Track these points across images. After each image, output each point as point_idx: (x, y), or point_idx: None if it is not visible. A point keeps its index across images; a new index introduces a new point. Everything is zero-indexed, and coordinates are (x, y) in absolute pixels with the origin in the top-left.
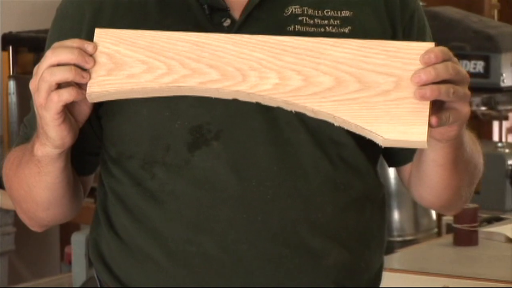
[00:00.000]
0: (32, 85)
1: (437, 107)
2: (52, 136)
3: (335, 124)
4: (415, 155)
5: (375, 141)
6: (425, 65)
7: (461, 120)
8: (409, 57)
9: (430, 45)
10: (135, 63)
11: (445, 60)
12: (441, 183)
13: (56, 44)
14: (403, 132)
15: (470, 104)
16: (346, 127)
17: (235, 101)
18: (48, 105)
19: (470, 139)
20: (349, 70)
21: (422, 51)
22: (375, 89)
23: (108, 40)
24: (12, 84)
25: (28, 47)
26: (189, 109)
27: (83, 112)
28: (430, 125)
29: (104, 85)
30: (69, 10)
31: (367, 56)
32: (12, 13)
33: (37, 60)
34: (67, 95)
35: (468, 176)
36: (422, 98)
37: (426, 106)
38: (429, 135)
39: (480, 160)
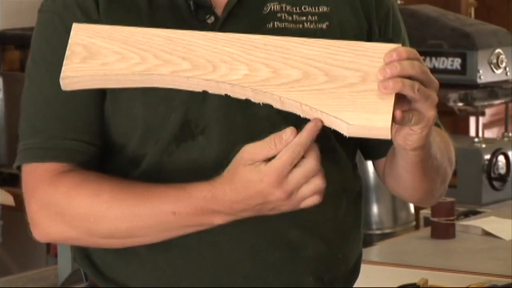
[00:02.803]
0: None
1: (402, 107)
2: (275, 213)
3: (301, 114)
4: (389, 151)
5: (339, 130)
6: (388, 62)
7: (424, 123)
8: (376, 55)
9: (397, 45)
10: (109, 53)
11: (410, 59)
12: (413, 185)
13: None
14: (367, 119)
15: (448, 100)
16: (311, 117)
17: (222, 97)
18: (289, 209)
19: (441, 141)
20: (317, 65)
21: (388, 51)
22: (341, 81)
23: (85, 33)
24: None
25: (15, 44)
26: (183, 105)
27: None
28: (394, 119)
29: (78, 71)
30: (68, 5)
31: (335, 53)
32: None
33: (24, 57)
34: (310, 204)
35: (440, 178)
36: (385, 89)
37: (390, 98)
38: (393, 126)
39: (452, 160)
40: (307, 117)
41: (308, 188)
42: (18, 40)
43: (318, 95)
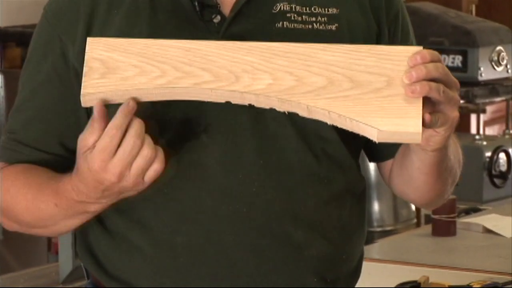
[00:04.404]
0: (120, 175)
1: (426, 110)
2: (132, 194)
3: (329, 122)
4: (396, 152)
5: (369, 136)
6: (413, 65)
7: (449, 124)
8: (398, 59)
9: (418, 48)
10: (128, 67)
11: (433, 61)
12: (425, 187)
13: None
14: (398, 124)
15: None
16: (340, 124)
17: None
18: (137, 188)
19: (453, 143)
20: (340, 71)
21: (411, 53)
22: (367, 87)
23: (101, 47)
24: (0, 78)
25: (16, 42)
26: (181, 102)
27: None
28: (423, 123)
29: (98, 87)
30: (63, 8)
31: (357, 58)
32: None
33: (25, 54)
34: (154, 175)
35: (452, 179)
36: (413, 93)
37: (418, 102)
38: (423, 130)
39: (461, 161)
40: (335, 124)
41: (137, 163)
42: (19, 37)
43: (345, 101)
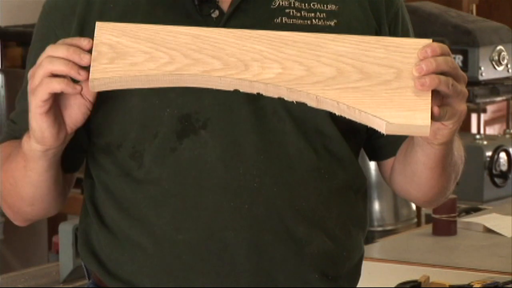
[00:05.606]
0: (30, 72)
1: (435, 103)
2: (33, 127)
3: (338, 113)
4: (398, 150)
5: (377, 128)
6: (422, 58)
7: (456, 118)
8: (408, 51)
9: (428, 41)
10: (137, 53)
11: (443, 54)
12: (429, 183)
13: (59, 41)
14: (406, 117)
15: None
16: (349, 116)
17: (223, 91)
18: (37, 89)
19: (456, 138)
20: (350, 62)
21: (421, 46)
22: (376, 79)
23: (109, 32)
24: (0, 78)
25: (17, 41)
26: (178, 98)
27: (75, 118)
28: (432, 116)
29: (106, 72)
30: (59, 3)
31: (367, 50)
32: (0, 7)
33: (25, 54)
34: (55, 84)
35: (455, 175)
36: (422, 86)
37: (427, 95)
38: (431, 124)
39: (463, 158)
40: (343, 115)
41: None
42: (19, 37)
43: (354, 93)
